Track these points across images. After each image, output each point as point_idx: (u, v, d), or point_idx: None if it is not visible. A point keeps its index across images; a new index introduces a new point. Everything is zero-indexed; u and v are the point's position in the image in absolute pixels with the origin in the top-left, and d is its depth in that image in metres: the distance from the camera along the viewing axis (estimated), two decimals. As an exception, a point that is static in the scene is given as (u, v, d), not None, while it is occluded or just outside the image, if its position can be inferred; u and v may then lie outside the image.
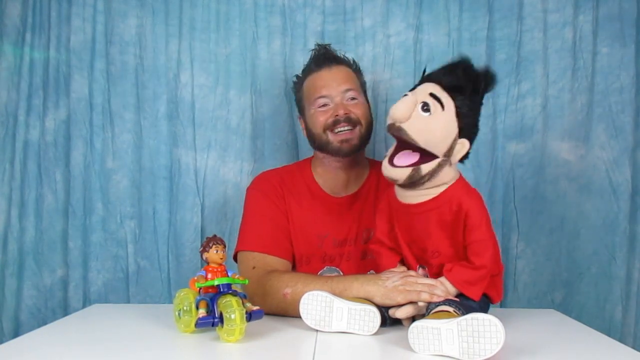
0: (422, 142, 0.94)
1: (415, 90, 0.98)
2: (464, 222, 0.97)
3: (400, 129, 0.94)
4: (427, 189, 0.98)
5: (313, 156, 1.37)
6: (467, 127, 0.98)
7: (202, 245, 0.96)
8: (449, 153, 0.97)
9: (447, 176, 0.98)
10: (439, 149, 0.96)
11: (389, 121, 0.96)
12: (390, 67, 1.55)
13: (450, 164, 0.98)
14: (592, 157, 1.49)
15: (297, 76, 1.37)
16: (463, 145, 0.98)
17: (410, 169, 0.95)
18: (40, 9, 1.55)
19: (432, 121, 0.94)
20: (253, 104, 1.57)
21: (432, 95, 0.95)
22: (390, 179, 0.99)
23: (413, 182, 0.96)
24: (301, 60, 1.42)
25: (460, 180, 1.01)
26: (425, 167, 0.95)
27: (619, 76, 1.48)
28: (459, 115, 0.96)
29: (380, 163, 1.40)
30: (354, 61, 1.34)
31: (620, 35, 1.48)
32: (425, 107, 0.94)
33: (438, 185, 0.98)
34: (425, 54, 1.53)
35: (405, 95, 0.97)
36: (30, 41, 1.55)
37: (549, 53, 1.51)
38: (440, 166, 0.96)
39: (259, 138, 1.57)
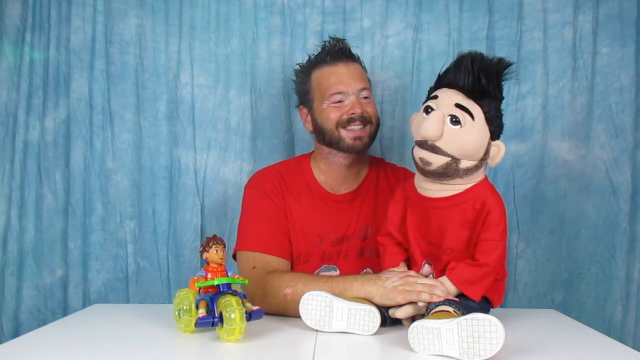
0: (458, 155, 0.94)
1: (438, 102, 0.96)
2: (483, 220, 0.96)
3: (434, 147, 0.94)
4: (454, 184, 0.97)
5: (313, 152, 1.37)
6: (497, 129, 0.98)
7: (202, 245, 0.96)
8: (485, 157, 0.97)
9: (480, 176, 0.99)
10: (475, 157, 0.96)
11: (419, 138, 0.96)
12: (389, 67, 1.55)
13: (485, 166, 0.99)
14: (592, 157, 1.49)
15: (300, 65, 1.35)
16: (499, 147, 0.97)
17: (449, 158, 0.94)
18: (40, 9, 1.55)
19: (464, 133, 0.94)
20: (253, 104, 1.56)
21: (458, 105, 0.94)
22: (424, 161, 0.96)
23: (445, 172, 0.95)
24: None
25: (486, 180, 1.01)
26: (465, 162, 0.95)
27: (619, 76, 1.48)
28: (487, 120, 0.95)
29: (381, 160, 1.42)
30: (360, 60, 1.34)
31: (620, 35, 1.48)
32: (455, 120, 0.93)
33: (466, 183, 0.97)
34: (425, 54, 1.53)
35: (429, 108, 0.95)
36: (30, 41, 1.55)
37: (549, 53, 1.51)
38: (477, 167, 0.96)
39: (259, 138, 1.57)
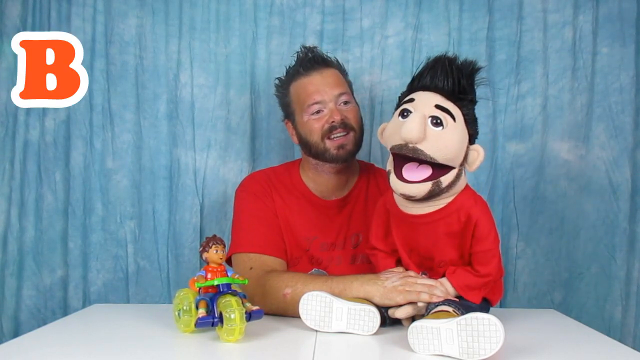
0: (440, 159, 0.90)
1: (416, 104, 0.92)
2: (472, 232, 0.95)
3: (415, 150, 0.89)
4: (440, 199, 0.95)
5: (302, 159, 1.35)
6: (475, 133, 0.96)
7: (201, 245, 0.96)
8: (463, 162, 0.94)
9: (463, 184, 0.96)
10: (455, 161, 0.93)
11: (398, 142, 0.90)
12: (389, 67, 1.55)
13: (464, 173, 0.96)
14: (592, 157, 1.49)
15: (279, 79, 1.34)
16: (478, 151, 0.94)
17: (430, 184, 0.90)
18: (40, 9, 1.55)
19: (446, 135, 0.90)
20: (253, 104, 1.57)
21: (438, 107, 0.91)
22: (406, 196, 0.93)
23: (431, 196, 0.92)
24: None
25: (467, 188, 0.99)
26: (446, 179, 0.91)
27: (619, 76, 1.48)
28: (467, 122, 0.93)
29: (371, 165, 1.42)
30: (338, 62, 1.32)
31: (620, 35, 1.48)
32: (437, 121, 0.90)
33: (452, 195, 0.95)
34: (425, 54, 1.53)
35: (405, 112, 0.92)
36: (30, 41, 1.55)
37: (548, 53, 1.51)
38: (457, 176, 0.93)
39: (259, 138, 1.57)
